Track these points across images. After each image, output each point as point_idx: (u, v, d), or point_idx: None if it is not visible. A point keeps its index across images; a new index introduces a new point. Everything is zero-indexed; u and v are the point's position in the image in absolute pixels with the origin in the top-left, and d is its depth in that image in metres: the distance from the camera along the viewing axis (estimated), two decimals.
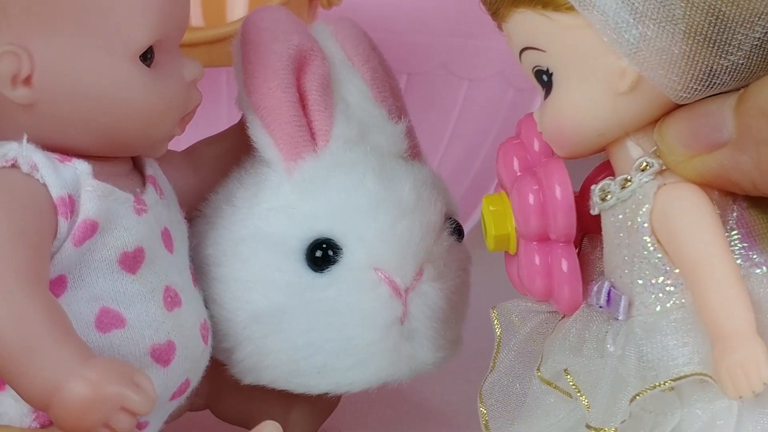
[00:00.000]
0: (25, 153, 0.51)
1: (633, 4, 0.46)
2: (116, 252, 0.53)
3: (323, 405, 0.64)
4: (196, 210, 0.62)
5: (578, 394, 0.50)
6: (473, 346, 0.63)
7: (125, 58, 0.53)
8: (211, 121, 0.68)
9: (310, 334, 0.59)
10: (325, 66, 0.61)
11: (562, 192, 0.50)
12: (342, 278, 0.58)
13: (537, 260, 0.52)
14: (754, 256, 0.48)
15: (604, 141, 0.50)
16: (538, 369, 0.53)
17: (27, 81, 0.52)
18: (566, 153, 0.51)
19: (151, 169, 0.58)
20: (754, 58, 0.46)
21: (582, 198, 0.52)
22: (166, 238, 0.57)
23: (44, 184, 0.51)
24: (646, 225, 0.48)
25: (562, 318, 0.54)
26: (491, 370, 0.56)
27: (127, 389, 0.47)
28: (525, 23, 0.49)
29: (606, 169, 0.52)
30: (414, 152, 0.63)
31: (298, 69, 0.60)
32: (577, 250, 0.53)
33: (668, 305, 0.49)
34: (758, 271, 0.48)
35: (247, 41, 0.61)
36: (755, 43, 0.46)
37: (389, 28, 0.81)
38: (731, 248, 0.48)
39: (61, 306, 0.50)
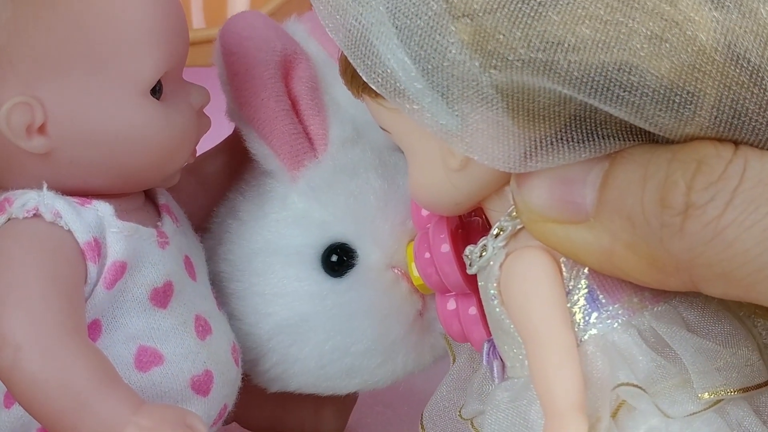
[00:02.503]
0: (47, 201, 0.51)
1: (442, 89, 0.44)
2: (147, 289, 0.54)
3: (349, 398, 0.66)
4: (203, 227, 0.62)
5: None
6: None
7: (136, 94, 0.52)
8: (214, 119, 0.66)
9: (335, 339, 0.59)
10: (311, 68, 0.61)
11: (445, 248, 0.51)
12: (361, 280, 0.59)
13: (449, 305, 0.53)
14: (610, 308, 0.47)
15: (469, 206, 0.50)
16: (460, 411, 0.53)
17: (41, 130, 0.51)
18: (443, 214, 0.51)
19: (163, 197, 0.58)
20: (583, 131, 0.44)
21: None
22: (188, 266, 0.57)
23: (69, 231, 0.51)
24: (495, 295, 0.48)
25: None
26: (434, 394, 0.57)
27: (177, 429, 0.48)
28: (370, 107, 0.49)
29: None
30: None
31: (285, 75, 0.60)
32: None
33: (527, 373, 0.48)
34: (616, 324, 0.47)
35: (230, 52, 0.60)
36: (574, 114, 0.43)
37: None
38: (587, 303, 0.47)
39: (103, 353, 0.50)
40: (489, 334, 0.52)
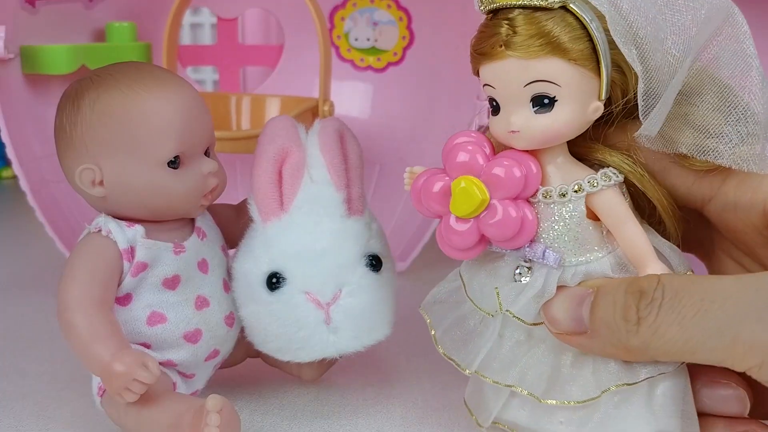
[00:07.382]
0: (104, 223, 0.82)
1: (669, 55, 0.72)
2: (159, 278, 0.82)
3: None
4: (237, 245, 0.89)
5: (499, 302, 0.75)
6: None
7: (157, 166, 0.80)
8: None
9: (270, 329, 0.84)
10: (299, 157, 0.83)
11: (536, 168, 0.73)
12: (285, 297, 0.82)
13: (513, 212, 0.73)
14: None
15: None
16: (466, 292, 0.78)
17: (101, 183, 0.81)
18: (526, 148, 0.72)
19: (201, 221, 0.86)
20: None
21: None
22: (203, 265, 0.85)
23: (115, 241, 0.81)
24: (579, 212, 0.72)
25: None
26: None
27: (139, 369, 0.75)
28: (554, 66, 0.69)
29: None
30: (354, 209, 0.84)
31: (281, 161, 0.84)
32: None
33: (591, 257, 0.73)
34: None
35: (257, 141, 0.86)
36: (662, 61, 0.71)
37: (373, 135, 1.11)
38: None
39: (113, 318, 0.78)
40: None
